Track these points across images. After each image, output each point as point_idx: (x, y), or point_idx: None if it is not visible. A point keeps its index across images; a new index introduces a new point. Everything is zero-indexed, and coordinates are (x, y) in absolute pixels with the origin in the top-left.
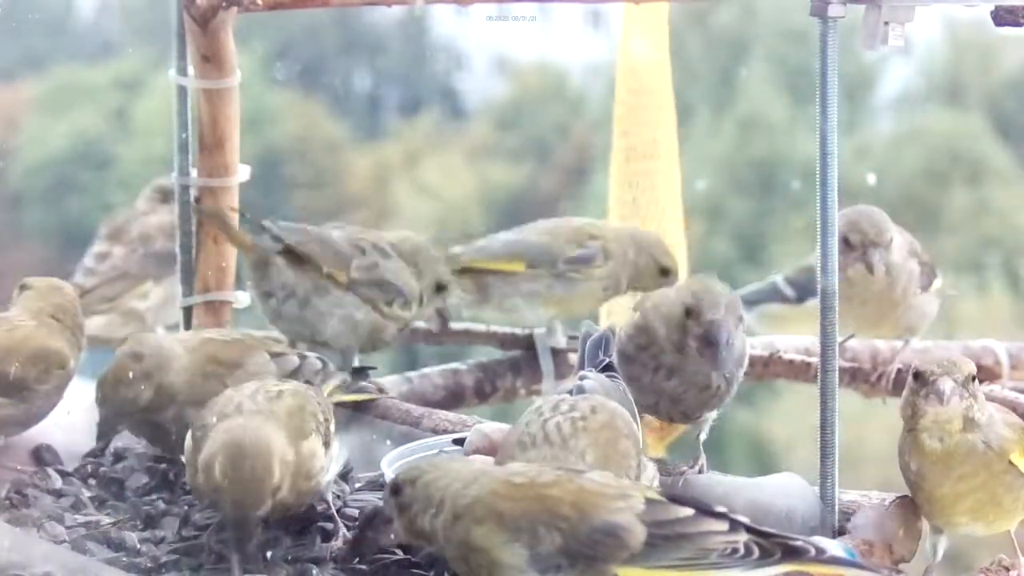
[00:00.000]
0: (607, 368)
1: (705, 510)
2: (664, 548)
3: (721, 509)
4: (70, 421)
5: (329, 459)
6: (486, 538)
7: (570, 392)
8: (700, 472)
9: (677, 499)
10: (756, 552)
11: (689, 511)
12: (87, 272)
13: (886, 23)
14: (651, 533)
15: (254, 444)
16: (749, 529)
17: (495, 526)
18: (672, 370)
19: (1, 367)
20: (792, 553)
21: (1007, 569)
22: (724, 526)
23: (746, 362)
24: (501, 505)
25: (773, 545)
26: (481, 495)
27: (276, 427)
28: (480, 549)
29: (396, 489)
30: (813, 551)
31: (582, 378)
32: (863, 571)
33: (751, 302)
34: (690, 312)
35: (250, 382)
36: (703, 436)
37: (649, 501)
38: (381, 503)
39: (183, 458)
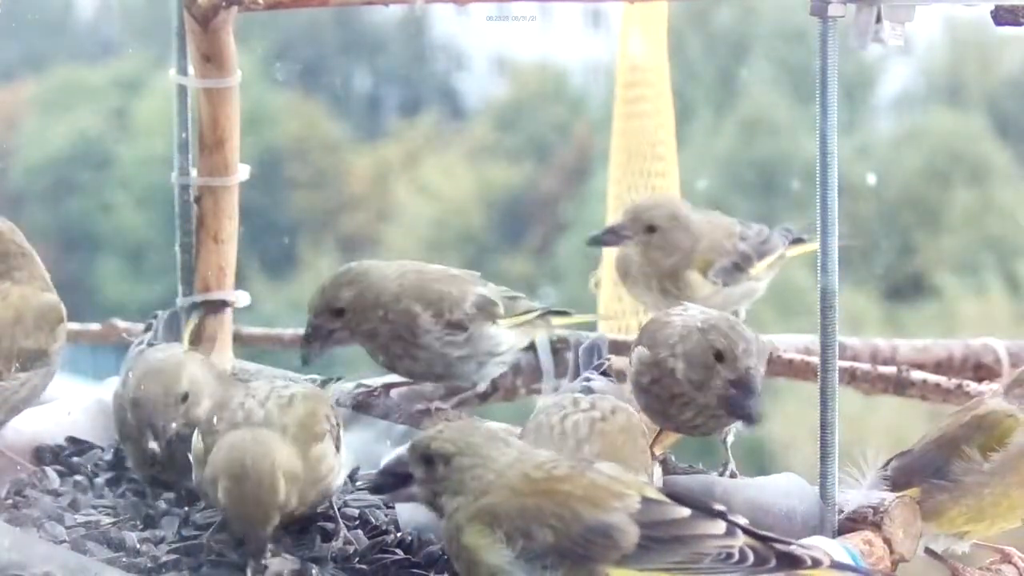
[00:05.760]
0: (604, 373)
1: (703, 509)
2: (657, 551)
3: (719, 508)
4: (70, 421)
5: (339, 462)
6: (474, 537)
7: (583, 392)
8: (732, 477)
9: (676, 497)
10: (751, 558)
11: (686, 512)
12: None
13: (878, 22)
14: (644, 534)
15: (257, 465)
16: (747, 532)
17: (485, 526)
18: (688, 403)
19: (14, 344)
20: (788, 561)
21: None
22: (720, 529)
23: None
24: (499, 503)
25: (769, 551)
26: (492, 500)
27: (282, 441)
28: (466, 547)
29: (429, 460)
30: (810, 561)
31: (587, 379)
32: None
33: None
34: (721, 357)
35: (262, 382)
36: (730, 439)
37: (645, 500)
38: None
39: (190, 456)
